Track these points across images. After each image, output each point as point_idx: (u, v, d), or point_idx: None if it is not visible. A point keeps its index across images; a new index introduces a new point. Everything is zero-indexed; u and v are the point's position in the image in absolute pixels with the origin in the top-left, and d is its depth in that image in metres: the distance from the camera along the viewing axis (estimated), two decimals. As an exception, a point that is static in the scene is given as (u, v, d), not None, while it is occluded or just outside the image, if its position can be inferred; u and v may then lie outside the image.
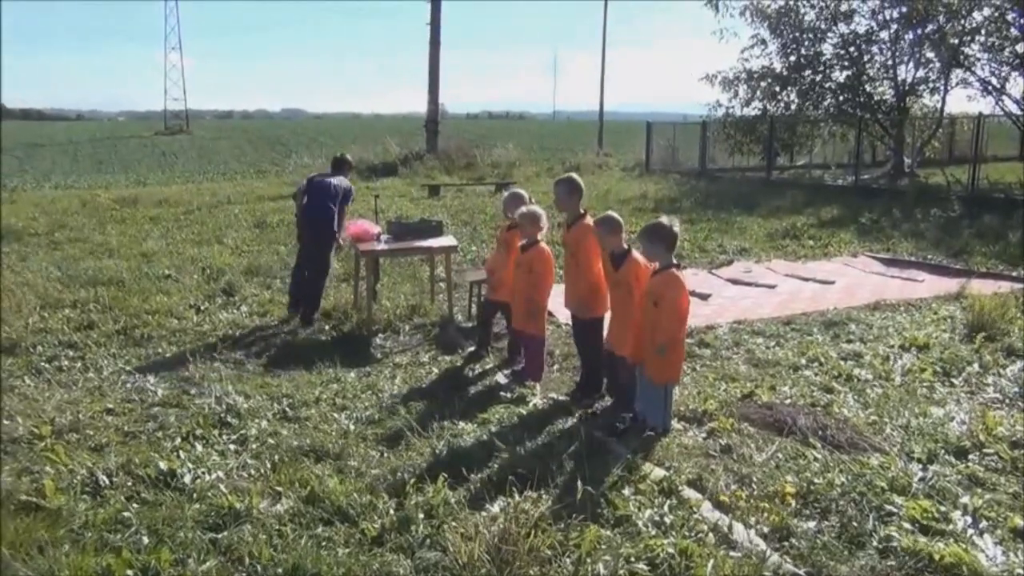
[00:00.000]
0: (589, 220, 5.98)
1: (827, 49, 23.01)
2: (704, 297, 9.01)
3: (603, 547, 3.75)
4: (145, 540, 3.79)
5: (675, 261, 5.24)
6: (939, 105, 23.05)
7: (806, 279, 10.06)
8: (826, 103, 23.14)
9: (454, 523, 3.93)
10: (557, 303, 6.75)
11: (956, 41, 20.38)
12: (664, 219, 5.25)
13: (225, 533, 3.86)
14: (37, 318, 7.85)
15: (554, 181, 6.46)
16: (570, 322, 6.50)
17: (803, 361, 6.67)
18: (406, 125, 48.67)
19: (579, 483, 4.26)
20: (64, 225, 13.99)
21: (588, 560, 3.67)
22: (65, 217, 15.04)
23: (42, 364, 6.62)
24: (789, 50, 22.93)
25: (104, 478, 4.42)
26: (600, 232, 5.64)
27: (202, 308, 8.46)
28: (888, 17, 21.78)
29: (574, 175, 6.38)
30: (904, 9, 20.96)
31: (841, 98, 22.87)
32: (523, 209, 6.44)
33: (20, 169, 32.17)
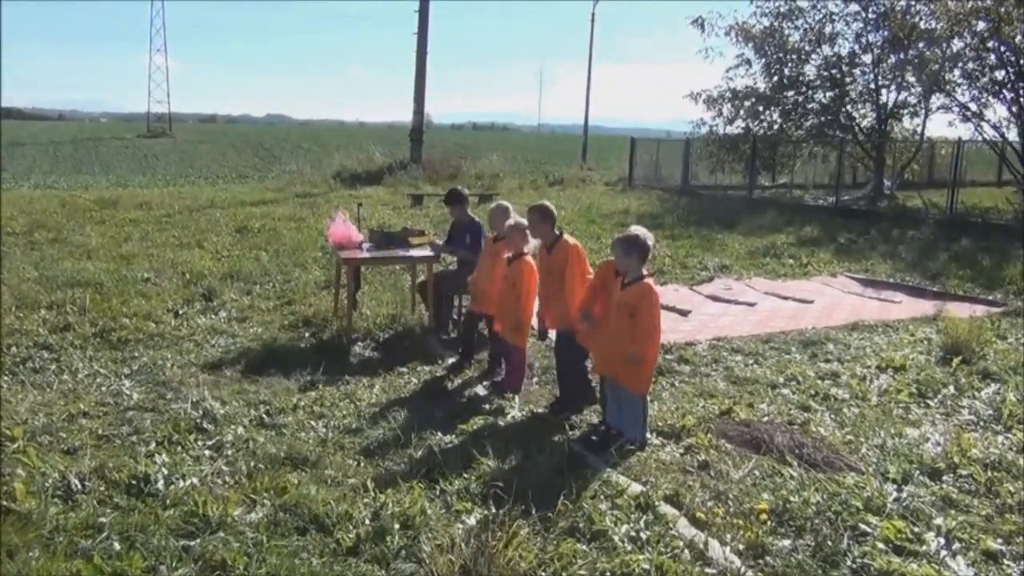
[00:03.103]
0: (568, 237, 6.05)
1: (810, 70, 23.29)
2: (684, 313, 9.05)
3: (579, 561, 3.75)
4: (117, 546, 3.74)
5: (645, 272, 5.26)
6: (919, 129, 23.35)
7: (785, 298, 10.13)
8: (808, 124, 23.38)
9: (430, 535, 3.92)
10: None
11: (937, 67, 20.68)
12: (638, 231, 5.28)
13: (199, 540, 3.83)
14: (13, 319, 7.76)
15: (527, 209, 6.37)
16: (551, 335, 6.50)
17: (781, 379, 6.71)
18: (391, 134, 48.72)
19: (557, 496, 4.27)
20: (43, 225, 13.83)
21: (564, 574, 3.67)
22: (44, 217, 14.88)
23: (16, 365, 6.54)
24: (773, 70, 23.17)
25: (76, 482, 4.36)
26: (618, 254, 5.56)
27: (180, 312, 8.39)
28: (870, 41, 22.09)
29: (546, 202, 6.31)
30: (886, 34, 21.26)
31: (823, 119, 23.12)
32: (510, 222, 6.45)
33: (-1, 167, 31.85)
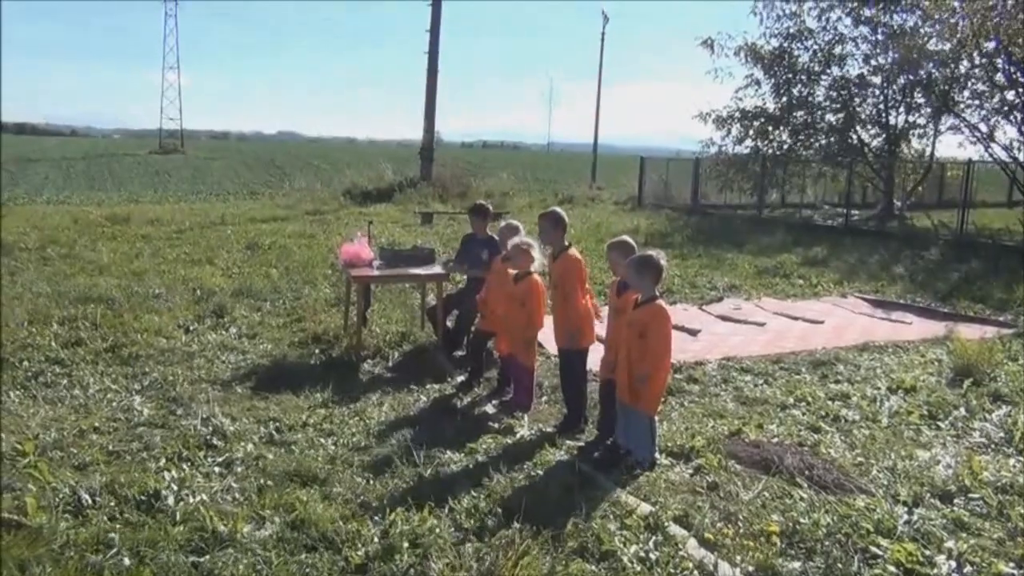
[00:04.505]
0: (573, 251, 6.05)
1: (819, 91, 23.31)
2: (693, 333, 9.04)
3: (588, 582, 3.75)
4: (127, 562, 3.76)
5: (658, 292, 5.28)
6: (929, 150, 23.31)
7: (795, 318, 10.10)
8: (817, 144, 23.38)
9: (439, 553, 3.92)
10: (547, 334, 6.75)
11: (946, 88, 20.69)
12: (652, 252, 5.31)
13: (208, 557, 3.84)
14: (25, 333, 7.81)
15: (538, 215, 6.49)
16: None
17: (791, 400, 6.69)
18: (401, 152, 48.94)
19: (566, 516, 4.26)
20: (55, 241, 13.94)
21: (573, 594, 3.66)
22: (56, 233, 14.98)
23: (28, 380, 6.57)
24: (782, 91, 23.21)
25: (87, 497, 4.39)
26: (615, 257, 5.70)
27: (191, 329, 8.43)
28: (879, 63, 22.12)
29: (558, 209, 6.45)
30: (896, 56, 21.29)
31: (832, 139, 23.13)
32: (515, 240, 6.45)
33: (12, 183, 32.07)
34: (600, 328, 6.11)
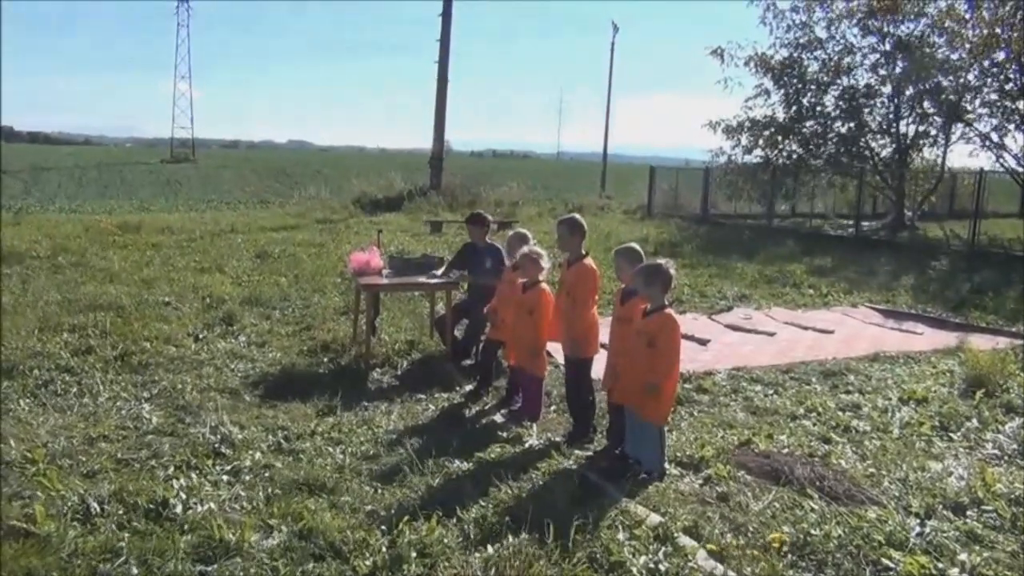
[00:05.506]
0: (589, 261, 6.01)
1: (829, 101, 23.25)
2: (703, 343, 9.00)
3: (597, 593, 3.72)
4: (135, 570, 3.76)
5: (667, 301, 5.25)
6: (940, 160, 23.21)
7: (805, 328, 10.06)
8: (827, 154, 23.32)
9: (447, 563, 3.91)
10: (556, 344, 6.73)
11: (955, 97, 20.63)
12: (661, 260, 5.29)
13: (216, 566, 3.83)
14: (35, 341, 7.83)
15: (557, 220, 6.49)
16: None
17: (801, 410, 6.65)
18: (411, 160, 48.99)
19: (574, 526, 4.24)
20: (67, 249, 13.98)
21: (581, 606, 3.63)
22: (68, 241, 15.03)
23: (38, 388, 6.59)
24: (792, 101, 23.16)
25: (96, 505, 4.38)
26: (621, 264, 5.66)
27: (201, 337, 8.44)
28: (888, 72, 22.06)
29: (576, 215, 6.43)
30: (905, 65, 21.24)
31: (842, 149, 23.07)
32: (524, 249, 6.44)
33: (25, 192, 32.24)
34: (604, 337, 6.09)
